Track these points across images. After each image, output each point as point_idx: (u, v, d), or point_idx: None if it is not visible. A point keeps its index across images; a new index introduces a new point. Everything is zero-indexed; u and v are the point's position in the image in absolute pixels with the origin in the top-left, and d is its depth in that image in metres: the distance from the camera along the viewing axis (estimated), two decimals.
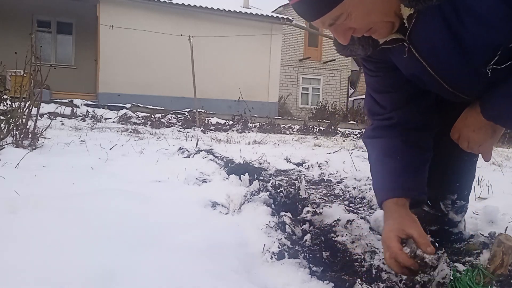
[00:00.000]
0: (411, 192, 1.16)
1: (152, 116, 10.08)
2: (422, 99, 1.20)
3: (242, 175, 2.14)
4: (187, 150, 3.34)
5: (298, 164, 3.26)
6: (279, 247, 1.23)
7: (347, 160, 3.20)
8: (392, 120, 1.21)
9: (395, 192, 1.15)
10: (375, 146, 1.27)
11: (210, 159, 2.85)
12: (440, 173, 1.39)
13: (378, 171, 1.25)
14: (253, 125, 10.06)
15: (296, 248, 1.27)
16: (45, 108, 8.19)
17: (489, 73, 0.95)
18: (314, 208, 1.69)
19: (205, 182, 2.16)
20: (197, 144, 3.85)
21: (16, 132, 2.98)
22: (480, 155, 1.22)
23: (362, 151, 4.60)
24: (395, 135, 1.21)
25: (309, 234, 1.39)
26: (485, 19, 0.86)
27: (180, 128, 8.27)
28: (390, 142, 1.22)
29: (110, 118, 9.24)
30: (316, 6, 0.88)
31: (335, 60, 21.21)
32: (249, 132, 8.12)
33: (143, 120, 9.30)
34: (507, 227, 1.50)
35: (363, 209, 1.90)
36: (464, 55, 0.95)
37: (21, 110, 3.14)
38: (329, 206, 1.75)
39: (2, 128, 2.85)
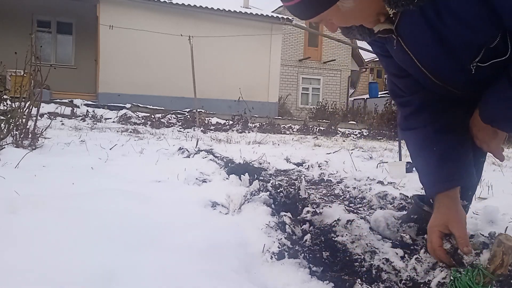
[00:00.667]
0: (453, 183, 1.15)
1: (152, 116, 10.08)
2: None
3: (242, 175, 2.14)
4: (187, 150, 3.34)
5: (298, 164, 3.26)
6: (279, 247, 1.23)
7: (347, 160, 3.20)
8: (414, 105, 1.21)
9: (438, 187, 1.15)
10: (410, 139, 1.26)
11: (210, 159, 2.85)
12: None
13: (418, 165, 1.26)
14: (253, 125, 10.06)
15: (296, 248, 1.27)
16: (45, 108, 8.19)
17: (473, 70, 0.98)
18: (314, 208, 1.69)
19: (205, 182, 2.16)
20: (197, 144, 3.85)
21: (16, 132, 2.98)
22: (488, 156, 1.24)
23: (362, 151, 4.60)
24: (425, 122, 1.19)
25: (309, 234, 1.39)
26: (467, 20, 0.88)
27: (180, 128, 8.28)
28: (422, 133, 1.20)
29: (110, 118, 9.24)
30: (299, 12, 0.97)
31: (335, 60, 21.21)
32: (249, 132, 8.12)
33: (143, 120, 9.30)
34: (507, 227, 1.50)
35: (363, 209, 1.90)
36: (447, 52, 0.98)
37: (21, 110, 3.14)
38: (329, 206, 1.75)
39: (2, 128, 2.85)
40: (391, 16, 0.99)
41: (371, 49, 1.27)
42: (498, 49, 0.94)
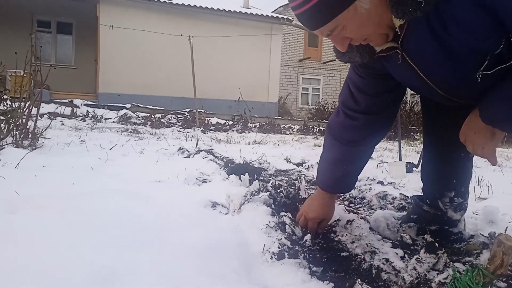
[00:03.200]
0: (344, 190, 1.64)
1: (152, 116, 10.08)
2: (392, 108, 1.36)
3: (242, 175, 2.14)
4: (187, 150, 3.34)
5: (298, 164, 3.26)
6: (279, 247, 1.23)
7: None
8: (359, 122, 1.34)
9: (333, 189, 1.51)
10: (333, 148, 1.45)
11: (210, 159, 2.85)
12: (437, 170, 1.42)
13: (326, 167, 1.49)
14: (253, 125, 10.06)
15: (296, 248, 1.27)
16: (45, 108, 8.19)
17: (479, 79, 0.98)
18: None
19: (205, 182, 2.16)
20: (197, 144, 3.85)
21: (16, 132, 2.98)
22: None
23: None
24: (358, 140, 1.38)
25: (309, 234, 1.39)
26: (471, 28, 0.89)
27: (180, 128, 8.27)
28: (347, 152, 1.41)
29: (110, 118, 9.24)
30: (313, 19, 0.95)
31: (335, 60, 21.20)
32: (249, 132, 8.12)
33: (143, 120, 9.29)
34: (507, 227, 1.50)
35: (363, 209, 1.91)
36: (453, 62, 0.98)
37: (21, 110, 3.14)
38: None
39: (2, 128, 2.85)
40: (397, 30, 0.99)
41: (359, 72, 1.30)
42: (502, 56, 0.94)
